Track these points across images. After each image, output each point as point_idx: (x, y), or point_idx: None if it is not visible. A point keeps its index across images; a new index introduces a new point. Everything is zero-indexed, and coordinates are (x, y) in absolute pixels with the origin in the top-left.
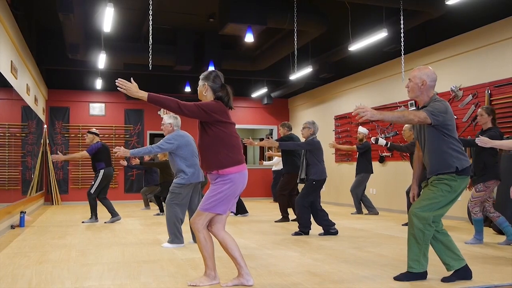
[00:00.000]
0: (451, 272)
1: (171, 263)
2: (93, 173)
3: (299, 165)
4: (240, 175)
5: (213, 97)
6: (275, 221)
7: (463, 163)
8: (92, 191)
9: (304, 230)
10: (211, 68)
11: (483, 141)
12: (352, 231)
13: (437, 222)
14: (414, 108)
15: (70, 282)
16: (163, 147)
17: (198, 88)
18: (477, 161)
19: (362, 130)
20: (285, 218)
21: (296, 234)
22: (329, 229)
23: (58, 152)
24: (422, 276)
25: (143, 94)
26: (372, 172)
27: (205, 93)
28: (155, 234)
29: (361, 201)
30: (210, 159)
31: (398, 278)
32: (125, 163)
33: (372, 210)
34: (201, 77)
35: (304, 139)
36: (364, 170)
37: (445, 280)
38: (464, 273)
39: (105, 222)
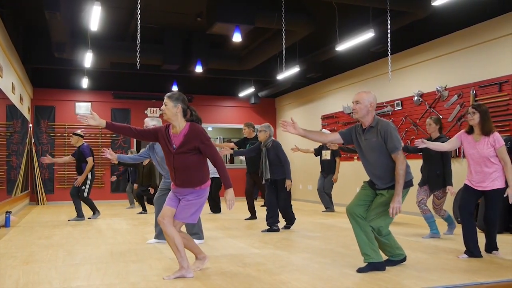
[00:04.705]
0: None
1: (160, 263)
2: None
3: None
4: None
5: (183, 119)
6: (245, 219)
7: (407, 176)
8: (86, 194)
9: (291, 223)
10: (198, 67)
11: (420, 142)
12: (339, 230)
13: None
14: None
15: (58, 282)
16: None
17: (168, 109)
18: (430, 169)
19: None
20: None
21: (285, 227)
22: (272, 226)
23: (50, 162)
24: (403, 260)
25: (230, 187)
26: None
27: (177, 114)
28: (142, 234)
29: (328, 196)
30: (195, 176)
31: (378, 267)
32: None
33: (330, 208)
34: (171, 98)
35: (262, 142)
36: (333, 171)
37: (360, 270)
38: (378, 266)
39: (68, 220)
